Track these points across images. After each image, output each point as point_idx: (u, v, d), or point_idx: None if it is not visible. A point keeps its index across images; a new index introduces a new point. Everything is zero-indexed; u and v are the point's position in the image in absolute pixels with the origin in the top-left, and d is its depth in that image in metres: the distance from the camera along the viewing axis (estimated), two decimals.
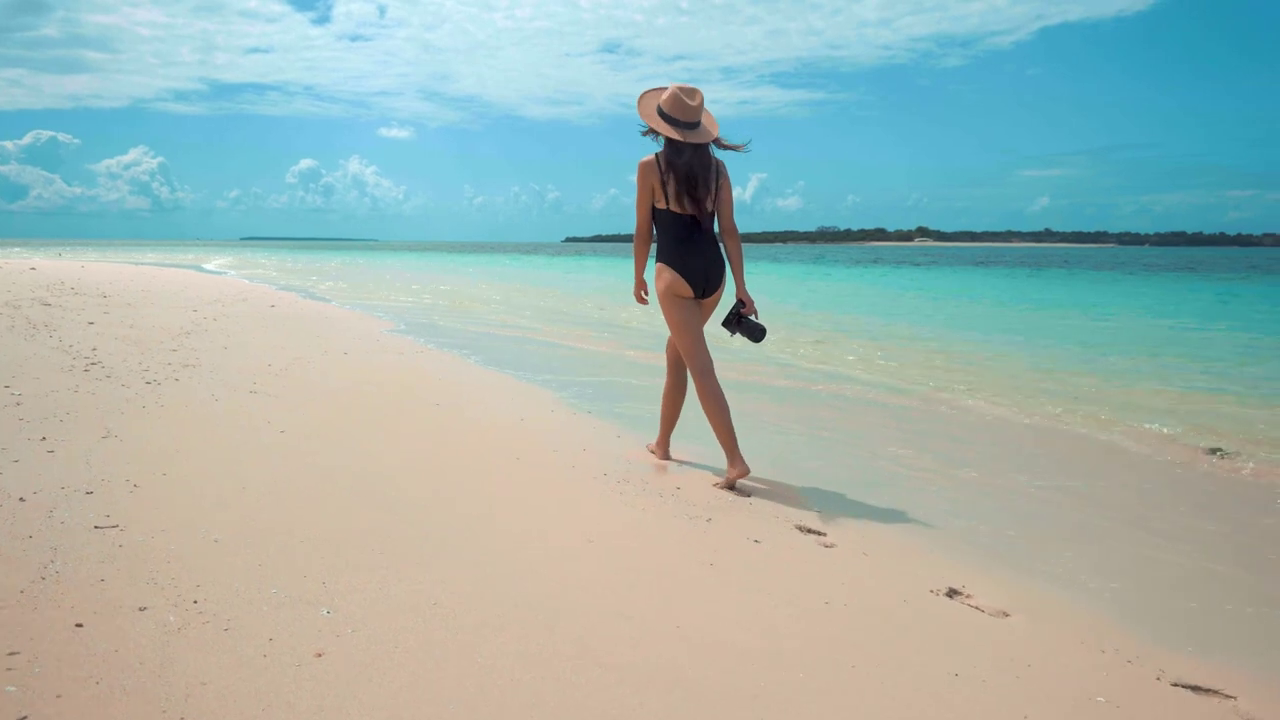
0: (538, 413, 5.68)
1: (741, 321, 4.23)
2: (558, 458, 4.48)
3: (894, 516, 3.80)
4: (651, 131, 4.13)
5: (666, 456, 4.57)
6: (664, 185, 4.10)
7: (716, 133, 4.15)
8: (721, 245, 4.24)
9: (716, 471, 4.35)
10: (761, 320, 4.30)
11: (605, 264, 48.23)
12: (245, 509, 3.27)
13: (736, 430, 4.13)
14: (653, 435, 4.86)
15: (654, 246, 4.30)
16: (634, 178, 4.16)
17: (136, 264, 30.45)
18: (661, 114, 4.10)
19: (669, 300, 4.19)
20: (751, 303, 4.26)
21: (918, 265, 51.18)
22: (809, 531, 3.53)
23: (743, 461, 4.06)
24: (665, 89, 4.12)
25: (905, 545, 3.42)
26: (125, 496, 3.31)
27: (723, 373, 4.35)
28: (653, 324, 12.06)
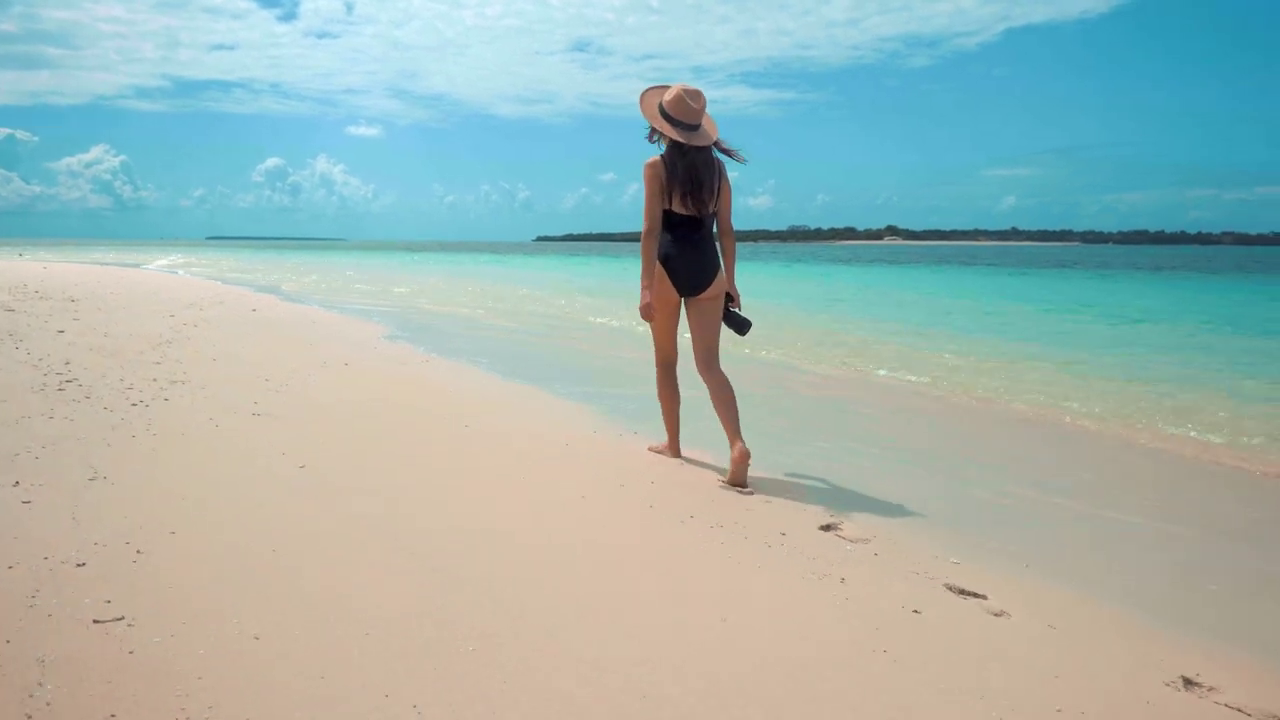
0: (580, 434, 5.02)
1: (728, 315, 4.36)
2: (628, 495, 3.82)
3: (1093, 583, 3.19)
4: (655, 133, 4.16)
5: (677, 454, 4.56)
6: (670, 185, 4.10)
7: (716, 135, 4.17)
8: (717, 246, 4.33)
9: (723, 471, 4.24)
10: (749, 318, 4.44)
11: (593, 264, 47.50)
12: (283, 583, 2.58)
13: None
14: (714, 453, 4.52)
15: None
16: (641, 178, 4.17)
17: (85, 264, 29.32)
18: (664, 114, 4.11)
19: (655, 299, 4.22)
20: (738, 297, 4.39)
21: (907, 265, 50.96)
22: (967, 594, 2.91)
23: (678, 447, 4.44)
24: (668, 87, 4.15)
25: (1132, 628, 2.80)
26: (127, 569, 2.60)
27: (853, 391, 3.73)
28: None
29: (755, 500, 3.85)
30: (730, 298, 4.36)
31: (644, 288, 4.14)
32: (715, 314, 4.29)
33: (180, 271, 26.88)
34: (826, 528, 3.55)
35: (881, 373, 8.13)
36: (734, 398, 4.17)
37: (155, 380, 5.89)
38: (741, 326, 4.36)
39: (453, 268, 38.78)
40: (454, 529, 3.21)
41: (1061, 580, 3.11)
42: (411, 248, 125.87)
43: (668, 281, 4.20)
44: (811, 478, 4.29)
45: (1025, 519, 3.86)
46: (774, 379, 7.58)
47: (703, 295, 4.25)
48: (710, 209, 4.17)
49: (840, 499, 3.94)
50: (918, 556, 3.25)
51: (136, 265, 30.50)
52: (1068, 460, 5.00)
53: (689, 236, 4.16)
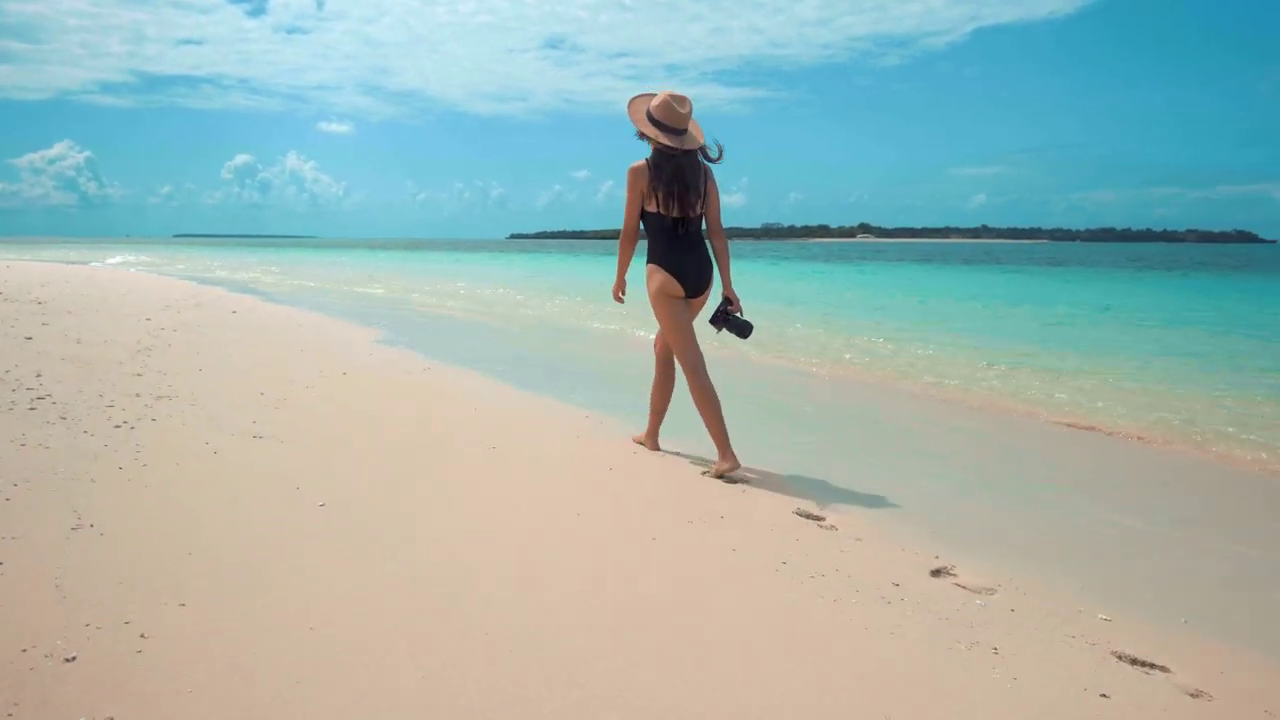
0: (619, 455, 4.49)
1: (729, 319, 4.33)
2: (703, 534, 3.31)
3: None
4: (643, 135, 4.23)
5: (656, 448, 4.65)
6: (654, 189, 4.17)
7: (702, 140, 4.24)
8: (709, 246, 4.35)
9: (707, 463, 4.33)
10: (747, 318, 4.39)
11: (574, 261, 46.87)
12: (330, 675, 2.04)
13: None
14: (775, 472, 4.20)
15: (640, 247, 4.45)
16: (624, 181, 4.23)
17: (48, 263, 28.31)
18: (651, 119, 4.19)
19: (662, 300, 4.28)
20: (738, 300, 4.37)
21: (892, 262, 50.79)
22: (1144, 665, 2.43)
23: (733, 456, 4.16)
24: (655, 95, 4.22)
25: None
26: (129, 662, 2.05)
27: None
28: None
29: (844, 538, 3.35)
30: (729, 301, 4.36)
31: (617, 282, 4.44)
32: (694, 316, 4.40)
33: (135, 269, 25.93)
34: (938, 573, 3.07)
35: (927, 379, 7.69)
36: (718, 401, 4.25)
37: (138, 395, 5.28)
38: (743, 330, 4.33)
39: (432, 266, 38.05)
40: (525, 599, 2.67)
41: (1241, 641, 2.64)
42: (385, 245, 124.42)
43: (674, 281, 4.25)
44: (891, 505, 3.80)
45: (1147, 555, 3.39)
46: (810, 386, 7.10)
47: (699, 299, 4.36)
48: (697, 211, 4.24)
49: (939, 535, 3.45)
50: (1060, 612, 2.77)
51: (85, 263, 29.37)
52: (1157, 480, 4.55)
53: (678, 239, 4.24)
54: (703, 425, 4.26)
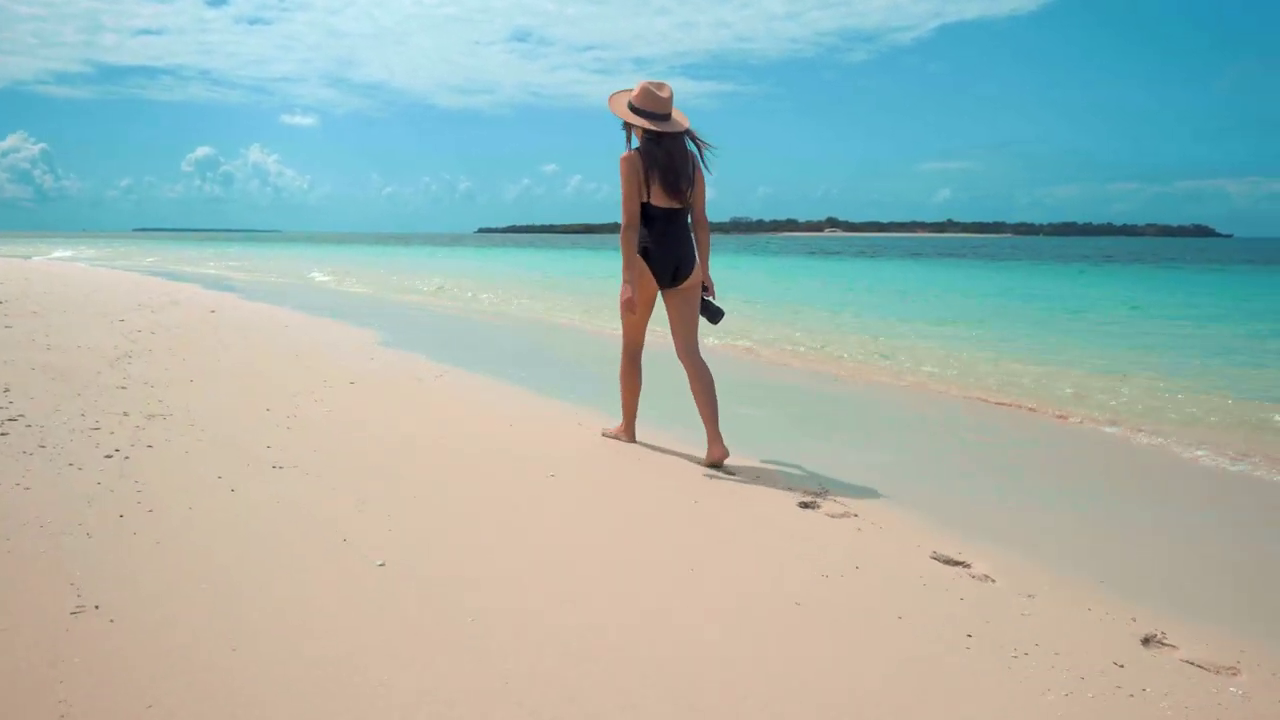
0: (696, 482, 3.88)
1: (703, 304, 4.40)
2: (840, 593, 2.70)
3: None
4: (629, 127, 4.20)
5: (633, 439, 4.61)
6: (648, 178, 4.15)
7: (687, 124, 4.23)
8: (692, 234, 4.35)
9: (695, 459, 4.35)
10: (722, 306, 4.48)
11: (551, 257, 46.10)
12: None
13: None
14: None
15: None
16: (604, 173, 4.17)
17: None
18: (634, 109, 4.18)
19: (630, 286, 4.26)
20: (713, 286, 4.45)
21: (876, 258, 50.54)
22: None
23: (633, 431, 4.55)
24: (633, 89, 4.23)
25: None
26: None
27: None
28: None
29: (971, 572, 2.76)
30: (705, 287, 4.41)
31: (625, 281, 4.19)
32: (694, 302, 4.36)
33: (85, 264, 24.77)
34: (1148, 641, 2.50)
35: (949, 374, 7.15)
36: (714, 385, 4.27)
37: (126, 414, 4.57)
38: (715, 315, 4.41)
39: (405, 261, 37.16)
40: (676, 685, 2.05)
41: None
42: (352, 240, 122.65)
43: (648, 274, 4.24)
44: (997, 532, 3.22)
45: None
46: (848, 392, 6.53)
47: (683, 285, 4.31)
48: (689, 198, 4.23)
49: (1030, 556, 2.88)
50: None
51: (27, 258, 28.04)
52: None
53: (667, 229, 4.22)
54: (701, 418, 4.22)
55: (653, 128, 4.13)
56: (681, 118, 4.24)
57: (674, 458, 4.35)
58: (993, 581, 2.85)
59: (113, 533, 2.86)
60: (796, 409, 6.05)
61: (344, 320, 11.18)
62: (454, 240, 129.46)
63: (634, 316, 4.33)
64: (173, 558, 2.69)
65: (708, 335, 8.74)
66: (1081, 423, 5.65)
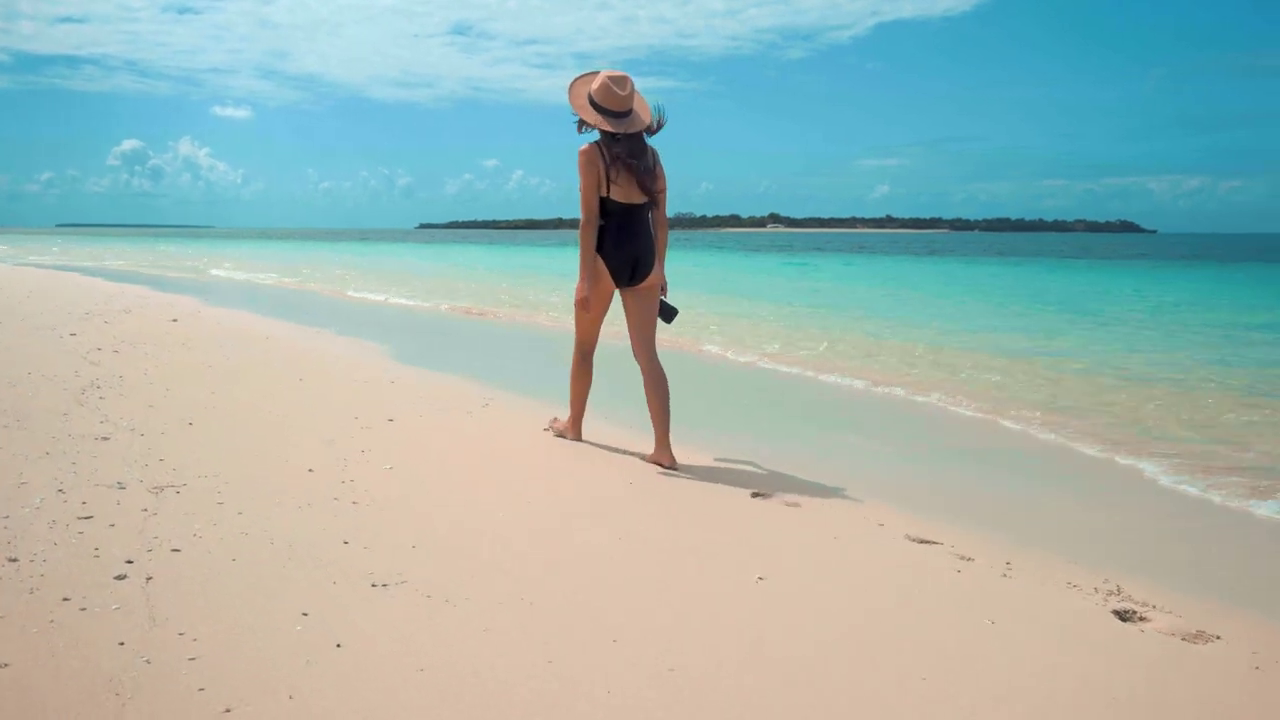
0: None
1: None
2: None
3: None
4: (585, 124, 4.10)
5: (579, 438, 4.54)
6: (608, 173, 4.03)
7: (649, 119, 4.12)
8: (653, 231, 4.24)
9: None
10: (675, 306, 4.42)
11: (532, 252, 44.57)
12: None
13: None
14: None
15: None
16: (576, 166, 4.08)
17: None
18: (593, 104, 4.06)
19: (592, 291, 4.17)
20: (666, 286, 4.36)
21: (827, 253, 49.99)
22: None
23: (579, 432, 4.47)
24: (596, 75, 4.11)
25: None
26: None
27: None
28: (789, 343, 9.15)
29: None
30: (660, 287, 4.31)
31: (582, 278, 4.14)
32: (653, 301, 4.29)
33: (8, 264, 22.64)
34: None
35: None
36: (668, 392, 4.17)
37: (123, 488, 3.26)
38: (668, 314, 4.35)
39: (362, 258, 35.41)
40: None
41: None
42: (291, 236, 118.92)
43: (605, 273, 4.14)
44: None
45: None
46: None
47: (641, 285, 4.22)
48: (651, 195, 4.13)
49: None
50: None
51: None
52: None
53: (627, 225, 4.12)
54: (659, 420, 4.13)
55: (609, 128, 4.00)
56: (643, 110, 4.12)
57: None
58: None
59: None
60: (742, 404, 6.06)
61: (327, 328, 9.83)
62: (404, 236, 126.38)
63: (590, 317, 4.25)
64: None
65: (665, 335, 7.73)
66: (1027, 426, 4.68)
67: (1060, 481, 4.34)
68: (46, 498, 3.09)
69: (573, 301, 4.24)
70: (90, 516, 2.92)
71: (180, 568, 2.55)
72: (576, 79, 4.20)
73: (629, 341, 4.32)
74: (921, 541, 3.18)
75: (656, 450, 4.14)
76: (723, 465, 4.28)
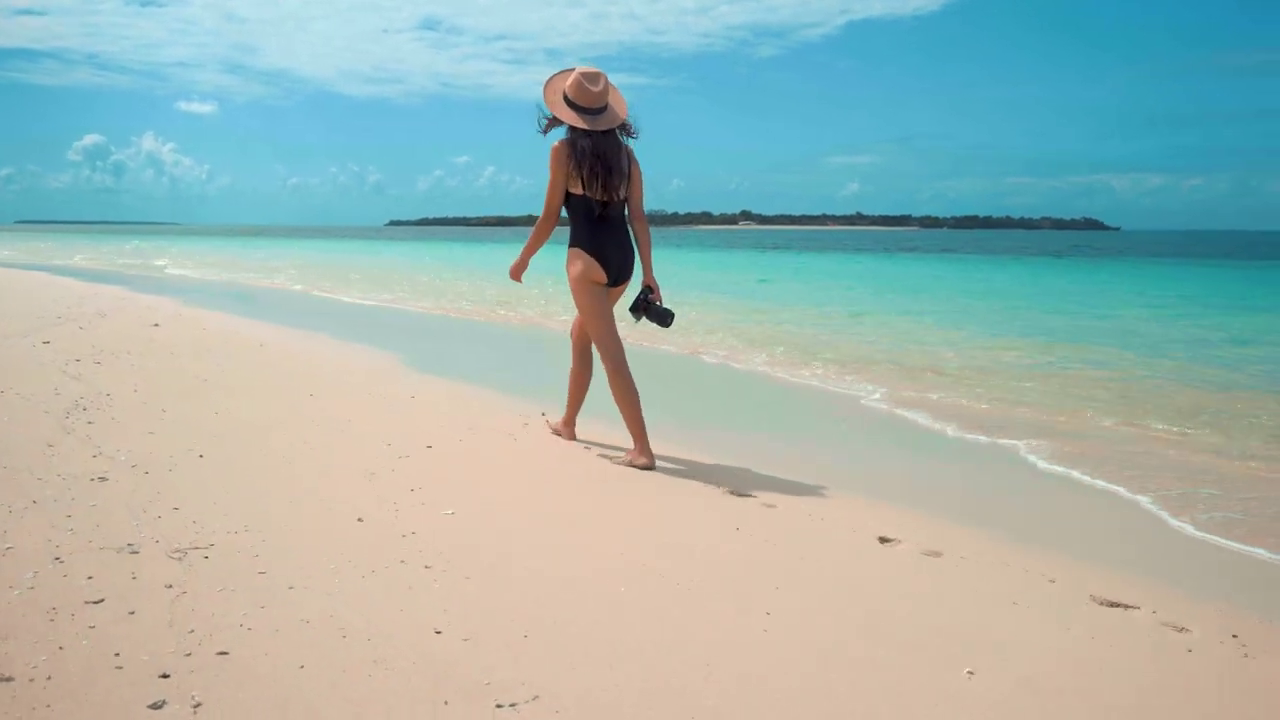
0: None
1: (650, 307, 4.18)
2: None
3: None
4: (555, 121, 4.07)
5: (573, 437, 4.52)
6: (579, 171, 4.00)
7: (625, 115, 4.11)
8: (630, 232, 4.22)
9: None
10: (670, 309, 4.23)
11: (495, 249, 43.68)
12: None
13: None
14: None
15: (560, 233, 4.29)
16: (547, 161, 4.06)
17: None
18: (567, 100, 4.04)
19: (584, 287, 4.11)
20: (658, 288, 4.22)
21: (832, 251, 49.64)
22: None
23: (650, 452, 4.06)
24: (571, 72, 4.08)
25: None
26: None
27: None
28: (796, 337, 8.57)
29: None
30: (650, 289, 4.18)
31: (519, 260, 4.30)
32: (613, 304, 4.22)
33: None
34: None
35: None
36: (638, 399, 4.11)
37: (135, 550, 2.59)
38: (664, 319, 4.20)
39: (335, 255, 34.49)
40: None
41: None
42: (260, 233, 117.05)
43: (597, 267, 4.08)
44: None
45: None
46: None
47: (619, 288, 4.20)
48: (621, 194, 4.09)
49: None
50: None
51: None
52: None
53: (601, 224, 4.08)
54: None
55: (582, 125, 3.99)
56: (619, 105, 4.11)
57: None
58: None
59: None
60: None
61: (320, 331, 9.15)
62: (402, 234, 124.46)
63: (604, 322, 4.15)
64: None
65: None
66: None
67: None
68: (40, 571, 2.41)
69: (573, 301, 4.19)
70: (101, 600, 2.25)
71: (234, 682, 1.90)
72: (553, 76, 4.16)
73: (573, 326, 4.42)
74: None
75: (638, 454, 4.08)
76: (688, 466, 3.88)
